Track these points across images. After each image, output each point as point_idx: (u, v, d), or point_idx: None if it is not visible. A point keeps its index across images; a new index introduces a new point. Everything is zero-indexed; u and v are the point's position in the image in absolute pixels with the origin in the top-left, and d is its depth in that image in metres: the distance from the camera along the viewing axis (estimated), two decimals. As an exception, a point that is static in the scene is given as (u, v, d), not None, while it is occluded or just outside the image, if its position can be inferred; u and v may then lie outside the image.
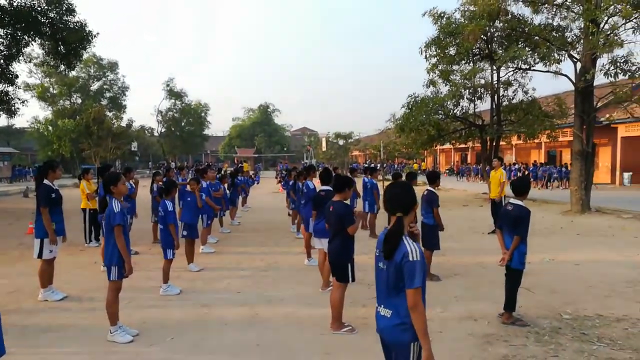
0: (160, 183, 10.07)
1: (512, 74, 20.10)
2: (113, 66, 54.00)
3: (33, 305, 6.30)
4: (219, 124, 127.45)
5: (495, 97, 20.59)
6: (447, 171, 48.38)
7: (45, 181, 6.64)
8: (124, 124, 44.63)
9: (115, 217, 5.03)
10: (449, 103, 20.48)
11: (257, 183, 33.61)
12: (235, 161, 64.24)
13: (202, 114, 64.92)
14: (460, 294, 6.81)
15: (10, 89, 21.03)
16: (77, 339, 5.15)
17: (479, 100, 21.29)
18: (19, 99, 21.42)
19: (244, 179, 18.39)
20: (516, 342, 4.97)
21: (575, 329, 5.33)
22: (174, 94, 60.42)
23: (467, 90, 20.27)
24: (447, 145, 31.22)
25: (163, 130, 61.92)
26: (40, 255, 6.51)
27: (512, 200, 5.66)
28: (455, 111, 21.17)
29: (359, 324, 5.49)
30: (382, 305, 2.91)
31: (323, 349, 4.87)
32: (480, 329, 5.38)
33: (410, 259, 2.70)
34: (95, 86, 53.71)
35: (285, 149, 78.60)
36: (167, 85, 59.60)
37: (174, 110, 61.68)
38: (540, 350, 4.76)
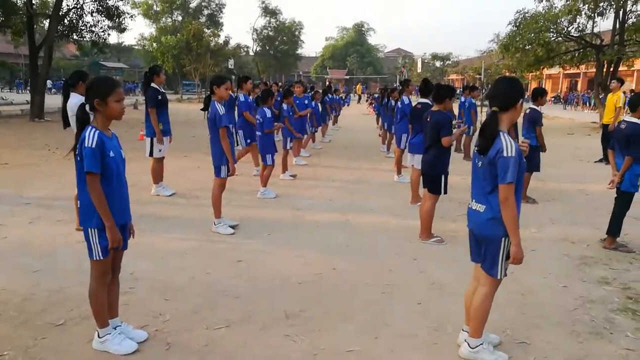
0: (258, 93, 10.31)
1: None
2: (210, -18, 54.42)
3: (147, 198, 7.01)
4: (311, 45, 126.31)
5: (621, 13, 18.14)
6: (553, 99, 44.62)
7: (153, 84, 7.09)
8: (221, 41, 45.63)
9: (222, 119, 5.22)
10: (563, 20, 18.50)
11: (348, 105, 33.35)
12: (327, 82, 63.93)
13: (297, 33, 64.33)
14: (557, 217, 6.51)
15: (120, 3, 22.14)
16: (185, 228, 5.70)
17: (599, 17, 18.93)
18: (127, 14, 22.52)
19: (335, 97, 18.32)
20: (618, 267, 4.73)
21: (689, 261, 4.94)
22: (269, 12, 60.12)
23: (587, 5, 18.05)
24: (555, 70, 28.54)
25: (258, 49, 62.53)
26: (151, 154, 7.13)
27: (626, 118, 5.16)
28: (569, 29, 19.10)
29: (449, 237, 5.50)
30: (475, 200, 2.92)
31: (411, 255, 4.98)
32: (577, 251, 5.17)
33: (505, 154, 2.68)
34: (194, 4, 54.70)
35: (377, 70, 76.45)
36: (263, 2, 59.34)
37: (269, 29, 61.67)
38: (645, 276, 4.50)
